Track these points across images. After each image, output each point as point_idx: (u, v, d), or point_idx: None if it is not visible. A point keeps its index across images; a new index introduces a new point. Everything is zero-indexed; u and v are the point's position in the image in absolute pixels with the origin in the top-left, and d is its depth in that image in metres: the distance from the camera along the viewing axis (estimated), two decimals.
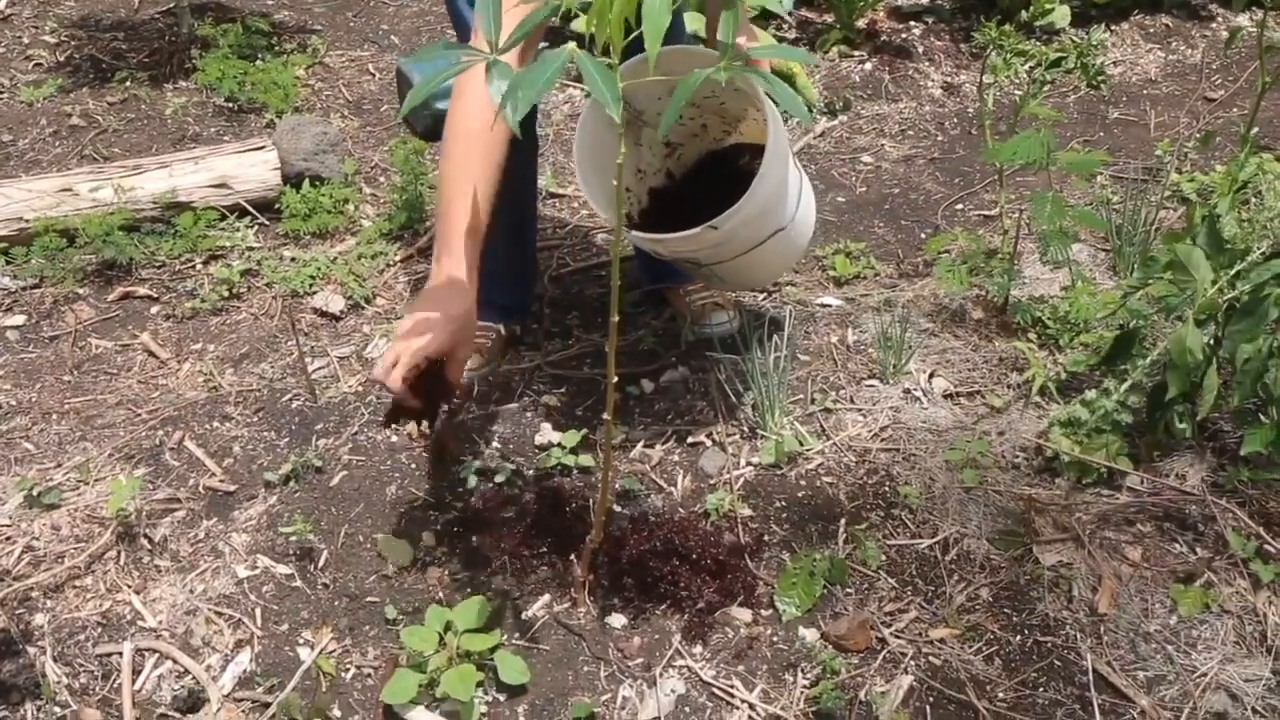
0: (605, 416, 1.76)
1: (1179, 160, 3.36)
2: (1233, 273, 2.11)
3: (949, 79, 3.99)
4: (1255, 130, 2.98)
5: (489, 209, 1.90)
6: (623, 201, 2.18)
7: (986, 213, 3.20)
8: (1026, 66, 3.91)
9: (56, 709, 1.82)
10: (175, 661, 1.89)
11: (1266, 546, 1.97)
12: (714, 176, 2.46)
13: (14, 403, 2.53)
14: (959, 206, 3.26)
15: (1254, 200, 2.68)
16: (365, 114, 3.80)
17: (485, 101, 1.70)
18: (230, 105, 3.73)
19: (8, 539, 2.12)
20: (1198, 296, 2.10)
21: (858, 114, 3.78)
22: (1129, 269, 2.77)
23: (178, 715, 1.81)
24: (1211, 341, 2.12)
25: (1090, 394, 2.22)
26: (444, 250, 1.89)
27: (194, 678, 1.86)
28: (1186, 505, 2.09)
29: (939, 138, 3.66)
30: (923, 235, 3.07)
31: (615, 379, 1.72)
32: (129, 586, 2.03)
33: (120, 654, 1.89)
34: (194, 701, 1.82)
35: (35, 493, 2.19)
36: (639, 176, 2.46)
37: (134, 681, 1.86)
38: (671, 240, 2.14)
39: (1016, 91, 3.83)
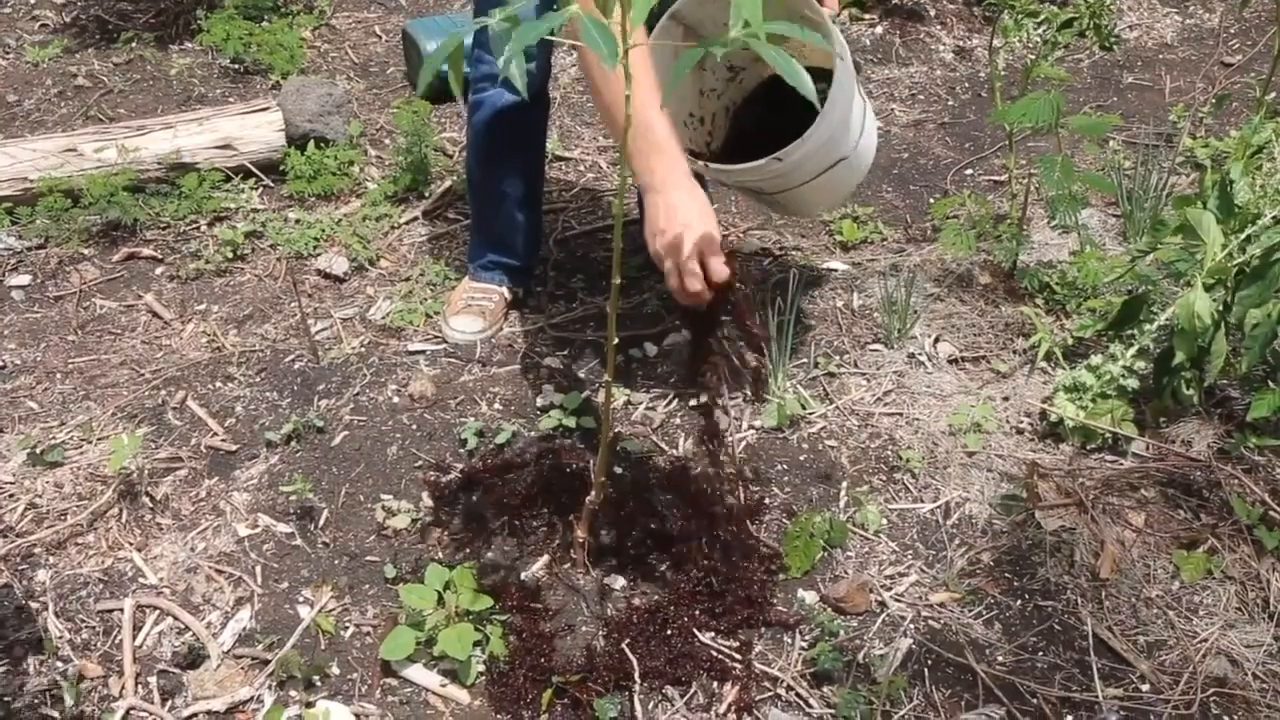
0: (606, 377, 1.75)
1: (1193, 125, 3.31)
2: (1243, 237, 2.08)
3: (961, 43, 3.93)
4: (1272, 95, 2.93)
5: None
6: (686, 137, 2.22)
7: (996, 178, 3.17)
8: (1039, 30, 3.85)
9: (58, 664, 1.83)
10: (176, 618, 1.90)
11: (1271, 513, 1.96)
12: (778, 100, 2.40)
13: (19, 362, 2.54)
14: (968, 172, 3.23)
15: (1266, 165, 2.64)
16: (372, 76, 3.77)
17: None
18: (235, 67, 3.70)
19: (11, 496, 2.13)
20: (1207, 261, 2.07)
21: (868, 78, 3.73)
22: (1139, 234, 2.74)
23: (178, 671, 1.82)
24: (1220, 307, 2.10)
25: (1096, 359, 2.20)
26: (656, 157, 1.84)
27: (194, 634, 1.87)
28: (1191, 471, 2.07)
29: (949, 102, 3.62)
30: (931, 200, 3.04)
31: (616, 340, 1.71)
32: (130, 544, 2.04)
33: (121, 610, 1.90)
34: (194, 658, 1.83)
35: (38, 451, 2.20)
36: (705, 96, 2.42)
37: (135, 637, 1.87)
38: (737, 171, 2.13)
39: (1029, 56, 3.78)
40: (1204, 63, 3.81)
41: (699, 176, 2.03)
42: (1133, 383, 2.16)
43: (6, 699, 1.77)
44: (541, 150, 2.57)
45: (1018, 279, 2.59)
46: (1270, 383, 2.12)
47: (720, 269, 1.77)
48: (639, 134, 1.83)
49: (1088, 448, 2.14)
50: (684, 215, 1.81)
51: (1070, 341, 2.38)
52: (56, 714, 1.76)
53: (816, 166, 2.17)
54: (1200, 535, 1.96)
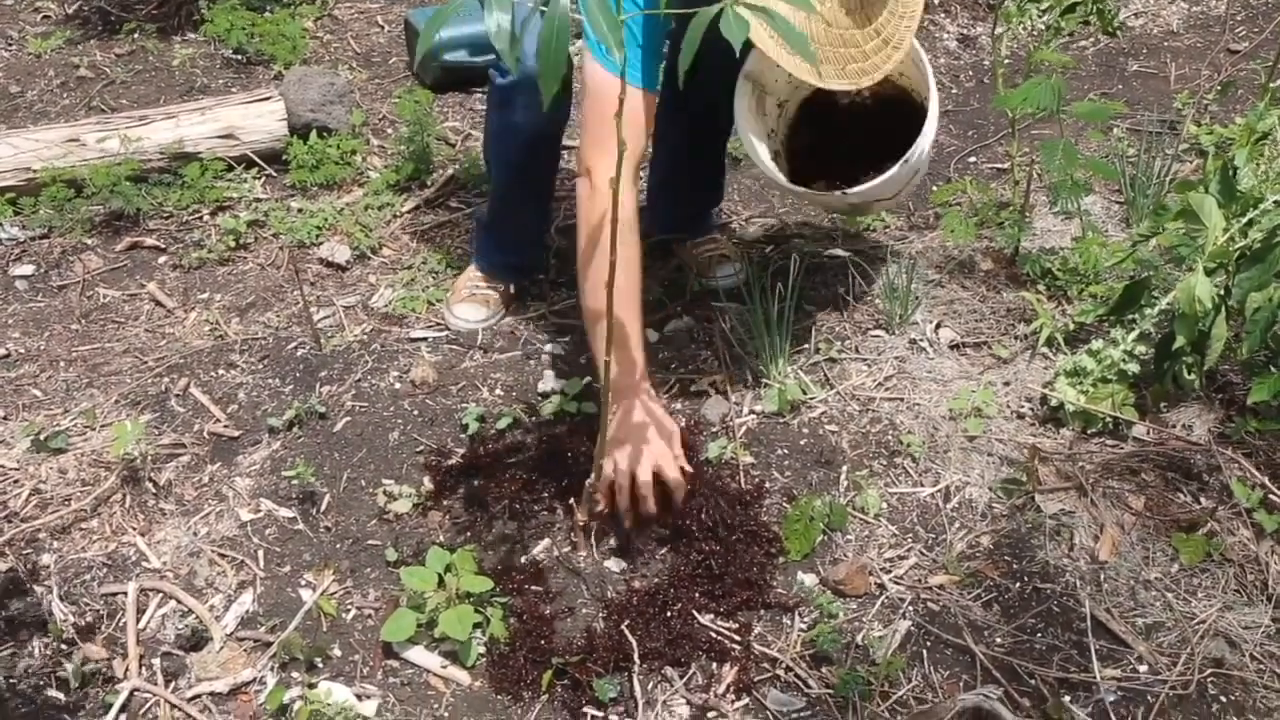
0: (606, 359, 1.75)
1: (1198, 112, 3.30)
2: (1245, 221, 2.08)
3: (965, 31, 3.92)
4: (1278, 82, 2.92)
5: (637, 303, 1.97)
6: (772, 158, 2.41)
7: (999, 166, 3.16)
8: (1043, 17, 3.84)
9: (63, 646, 1.84)
10: (179, 601, 1.91)
11: (1271, 496, 1.96)
12: (816, 118, 2.52)
13: (23, 350, 2.55)
14: (971, 159, 3.23)
15: (1269, 152, 2.63)
16: (374, 66, 3.78)
17: (622, 205, 1.77)
18: (238, 57, 3.71)
19: (15, 482, 2.15)
20: (1208, 245, 2.07)
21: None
22: (1141, 220, 2.74)
23: (181, 653, 1.83)
24: (1221, 291, 2.09)
25: (1097, 344, 2.20)
26: (630, 365, 1.94)
27: (197, 617, 1.88)
28: (1192, 455, 2.07)
29: (953, 90, 3.61)
30: (934, 188, 3.04)
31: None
32: (134, 529, 2.05)
33: (125, 594, 1.91)
34: (197, 640, 1.85)
35: (42, 437, 2.21)
36: (770, 138, 2.48)
37: (138, 620, 1.88)
38: (873, 188, 2.22)
39: (1034, 44, 3.77)
40: (1210, 50, 3.80)
41: None
42: (1133, 367, 2.16)
43: (12, 680, 1.78)
44: (557, 154, 2.54)
45: (1019, 265, 2.59)
46: (1271, 367, 2.12)
47: (677, 484, 1.90)
48: (623, 334, 1.91)
49: (1088, 432, 2.15)
50: (648, 430, 1.90)
51: (1071, 327, 2.37)
52: (61, 695, 1.77)
53: (924, 160, 2.29)
54: (1200, 518, 1.96)
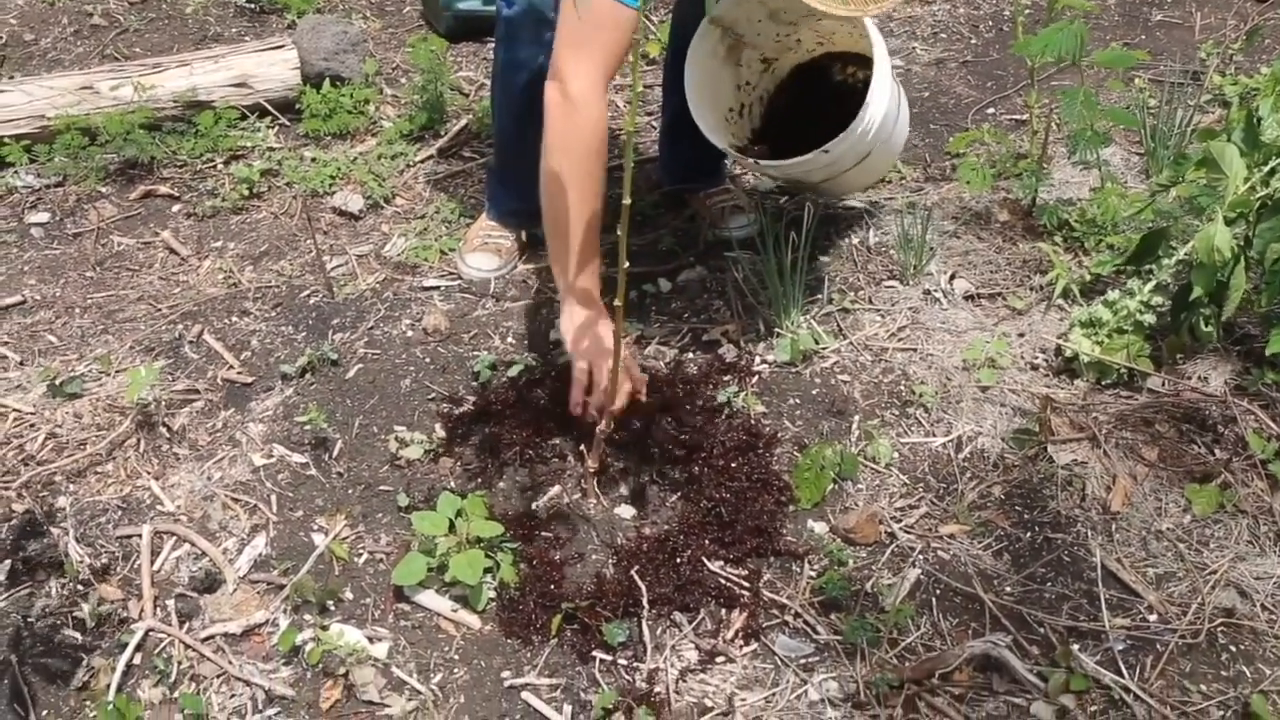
0: (616, 303, 1.74)
1: (1222, 62, 3.24)
2: (1267, 170, 2.05)
3: None
4: None
5: (601, 217, 1.95)
6: (729, 133, 2.44)
7: (1018, 117, 3.12)
8: None
9: (79, 587, 1.86)
10: (193, 544, 1.93)
11: None
12: (808, 85, 2.55)
13: (38, 297, 2.56)
14: (990, 110, 3.18)
15: None
16: (388, 15, 3.74)
17: (597, 119, 1.81)
18: (251, 5, 3.69)
19: (32, 426, 2.16)
20: (1229, 194, 2.04)
21: (888, 16, 3.67)
22: (1161, 171, 2.69)
23: (195, 595, 1.85)
24: (1241, 241, 2.06)
25: (1113, 295, 2.17)
26: (593, 275, 1.96)
27: (211, 560, 1.90)
28: (1207, 407, 2.05)
29: (972, 40, 3.55)
30: (951, 139, 3.00)
31: (627, 264, 1.70)
32: (148, 473, 2.07)
33: (140, 536, 1.93)
34: (211, 582, 1.86)
35: (58, 382, 2.22)
36: (742, 90, 2.51)
37: (153, 562, 1.90)
38: (788, 165, 2.23)
39: None
40: None
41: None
42: (1150, 318, 2.14)
43: (30, 620, 1.81)
44: None
45: (1036, 216, 2.56)
46: None
47: (639, 380, 1.94)
48: (586, 244, 1.91)
49: (1103, 383, 2.13)
50: (610, 338, 1.89)
51: (1088, 278, 2.35)
52: (78, 635, 1.79)
53: (860, 153, 2.25)
54: (1214, 470, 1.94)
